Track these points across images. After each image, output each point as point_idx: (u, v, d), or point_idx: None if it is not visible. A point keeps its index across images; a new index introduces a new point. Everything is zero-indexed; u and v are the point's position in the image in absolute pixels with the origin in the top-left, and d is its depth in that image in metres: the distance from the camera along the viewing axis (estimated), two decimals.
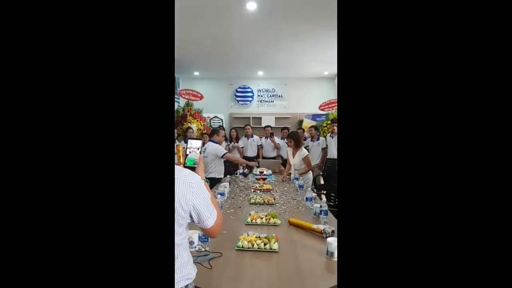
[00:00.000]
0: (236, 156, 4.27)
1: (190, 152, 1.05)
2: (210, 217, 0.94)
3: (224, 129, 4.20)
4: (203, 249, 1.37)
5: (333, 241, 1.33)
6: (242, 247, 1.42)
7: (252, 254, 1.38)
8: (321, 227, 1.61)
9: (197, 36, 3.92)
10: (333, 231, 1.56)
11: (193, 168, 1.03)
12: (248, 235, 1.51)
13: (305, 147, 3.73)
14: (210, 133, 3.65)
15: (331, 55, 4.82)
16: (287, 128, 5.23)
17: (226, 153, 3.42)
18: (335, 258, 1.30)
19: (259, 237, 1.48)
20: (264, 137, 5.24)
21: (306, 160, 3.37)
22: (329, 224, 1.73)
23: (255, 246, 1.41)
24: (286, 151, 3.71)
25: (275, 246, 1.41)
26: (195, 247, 1.38)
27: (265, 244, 1.42)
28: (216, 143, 3.40)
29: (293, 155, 3.47)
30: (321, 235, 1.57)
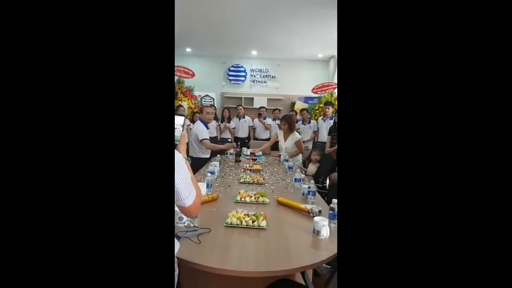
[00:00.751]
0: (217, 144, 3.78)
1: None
2: (189, 197, 0.93)
3: (213, 107, 4.10)
4: (191, 225, 1.39)
5: (320, 220, 1.37)
6: (231, 224, 1.44)
7: (241, 230, 1.40)
8: (308, 206, 1.65)
9: (190, 10, 3.77)
10: (320, 211, 1.59)
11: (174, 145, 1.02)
12: (237, 212, 1.53)
13: (296, 130, 3.73)
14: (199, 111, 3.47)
15: (327, 38, 4.75)
16: (279, 110, 5.21)
17: (205, 139, 3.18)
18: (321, 236, 1.33)
19: (247, 214, 1.50)
20: (256, 118, 5.22)
21: (298, 144, 3.40)
22: (317, 204, 1.77)
23: (244, 223, 1.43)
24: (276, 133, 3.69)
25: (263, 223, 1.43)
26: (184, 223, 1.40)
27: (253, 222, 1.44)
28: (203, 121, 3.24)
29: (285, 138, 3.47)
30: (309, 214, 1.60)
